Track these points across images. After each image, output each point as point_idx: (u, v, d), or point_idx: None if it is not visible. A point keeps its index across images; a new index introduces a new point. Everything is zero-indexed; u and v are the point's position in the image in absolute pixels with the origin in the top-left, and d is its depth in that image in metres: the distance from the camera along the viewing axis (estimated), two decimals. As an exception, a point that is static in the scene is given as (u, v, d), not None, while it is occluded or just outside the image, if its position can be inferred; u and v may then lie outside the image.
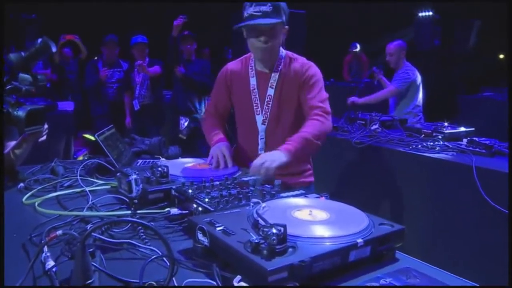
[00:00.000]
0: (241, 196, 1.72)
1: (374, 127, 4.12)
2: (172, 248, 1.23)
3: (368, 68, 10.06)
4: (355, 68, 10.43)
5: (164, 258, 1.34)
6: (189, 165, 2.32)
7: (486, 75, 9.27)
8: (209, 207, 1.61)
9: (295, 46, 2.39)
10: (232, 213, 1.54)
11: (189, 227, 1.51)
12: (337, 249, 1.27)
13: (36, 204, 1.91)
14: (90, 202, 1.90)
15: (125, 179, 1.91)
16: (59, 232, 1.34)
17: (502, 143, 3.34)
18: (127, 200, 1.91)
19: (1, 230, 1.47)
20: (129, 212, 1.75)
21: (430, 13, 9.37)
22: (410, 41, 10.76)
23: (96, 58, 6.40)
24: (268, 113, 2.44)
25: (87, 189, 2.07)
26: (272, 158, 2.09)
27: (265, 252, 1.19)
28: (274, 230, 1.20)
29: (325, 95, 2.39)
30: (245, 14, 2.28)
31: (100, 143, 2.38)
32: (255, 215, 1.42)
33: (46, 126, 2.19)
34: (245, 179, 1.98)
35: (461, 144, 3.46)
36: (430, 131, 3.78)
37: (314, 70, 2.41)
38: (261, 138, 2.47)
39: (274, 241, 1.19)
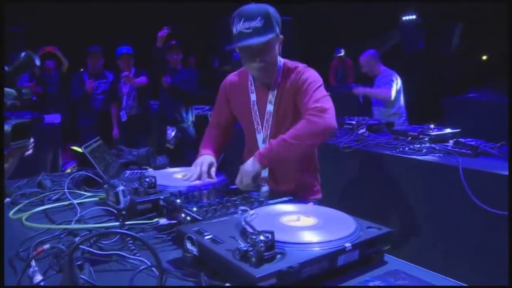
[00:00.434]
0: (229, 204, 1.72)
1: (361, 131, 4.14)
2: (161, 258, 1.23)
3: (353, 73, 10.14)
4: (340, 73, 10.49)
5: (153, 268, 1.34)
6: (177, 175, 2.31)
7: (471, 77, 9.36)
8: (198, 216, 1.61)
9: (281, 53, 2.29)
10: (221, 222, 1.54)
11: (177, 236, 1.51)
12: (325, 254, 1.28)
13: (23, 218, 1.89)
14: (78, 215, 1.89)
15: (112, 191, 1.91)
16: (47, 246, 1.34)
17: (487, 144, 3.37)
18: (115, 211, 1.90)
19: (1, 231, 1.45)
20: (118, 223, 1.74)
21: (414, 16, 9.46)
22: (396, 44, 10.88)
23: (82, 70, 6.37)
24: (268, 131, 2.30)
25: (75, 201, 2.06)
26: (246, 172, 2.01)
27: (253, 259, 1.19)
28: (262, 237, 1.21)
29: (321, 94, 2.14)
30: (235, 31, 2.10)
31: (87, 155, 2.37)
32: (243, 223, 1.43)
33: (32, 140, 2.18)
34: (233, 187, 1.99)
35: (448, 146, 3.48)
36: (416, 134, 3.80)
37: (307, 74, 2.22)
38: None
39: (262, 248, 1.20)
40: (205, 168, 2.19)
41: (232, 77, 2.49)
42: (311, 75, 2.22)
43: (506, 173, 2.78)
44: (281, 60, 2.29)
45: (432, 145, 3.54)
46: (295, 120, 2.12)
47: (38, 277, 1.28)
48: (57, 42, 7.26)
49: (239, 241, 1.33)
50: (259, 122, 2.33)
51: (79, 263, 1.28)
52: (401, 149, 3.57)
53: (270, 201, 1.79)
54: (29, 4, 8.16)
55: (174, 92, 5.68)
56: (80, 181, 2.49)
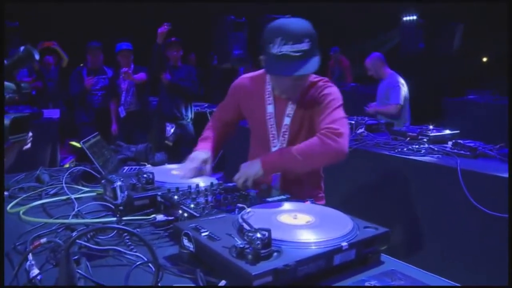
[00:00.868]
0: (226, 201, 1.73)
1: (360, 130, 4.14)
2: (157, 254, 1.23)
3: (351, 73, 10.13)
4: (337, 72, 10.51)
5: (150, 264, 1.34)
6: (175, 172, 2.30)
7: (470, 78, 9.37)
8: (195, 213, 1.62)
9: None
10: (218, 219, 1.54)
11: (174, 233, 1.51)
12: (322, 252, 1.28)
13: (21, 212, 1.89)
14: (75, 210, 1.89)
15: (110, 186, 1.91)
16: (43, 240, 1.34)
17: (486, 145, 3.38)
18: (113, 207, 1.90)
19: (1, 231, 1.45)
20: (115, 219, 1.74)
21: (414, 17, 9.46)
22: (396, 45, 10.88)
23: (81, 65, 6.37)
24: (284, 145, 2.21)
25: (73, 196, 2.06)
26: (248, 173, 1.98)
27: (250, 256, 1.19)
28: (258, 235, 1.21)
29: (338, 115, 2.07)
30: (275, 50, 1.92)
31: (86, 150, 2.37)
32: (240, 220, 1.43)
33: (30, 134, 2.18)
34: (230, 184, 1.99)
35: (446, 147, 3.49)
36: (415, 134, 3.81)
37: (328, 90, 2.14)
38: None
39: (259, 246, 1.20)
40: (196, 164, 2.14)
41: (246, 81, 2.37)
42: (332, 93, 2.15)
43: (505, 175, 2.78)
44: None
45: (431, 146, 3.55)
46: (309, 134, 2.08)
47: (35, 271, 1.28)
48: (57, 38, 7.25)
49: (235, 238, 1.33)
50: (275, 136, 2.25)
51: (75, 257, 1.28)
52: (399, 150, 3.58)
53: (268, 199, 1.79)
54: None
55: (173, 89, 5.68)
56: (78, 176, 2.49)
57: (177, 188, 1.87)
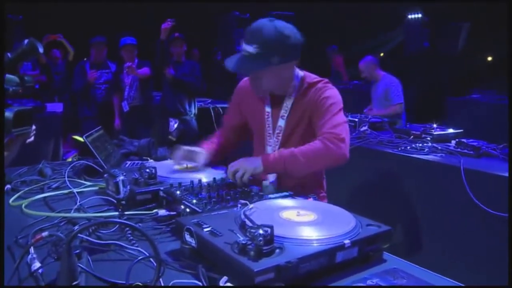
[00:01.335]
0: (229, 197, 1.72)
1: (363, 128, 4.14)
2: (159, 249, 1.23)
3: (345, 71, 10.09)
4: (332, 71, 10.48)
5: (151, 259, 1.34)
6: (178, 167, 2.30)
7: (475, 77, 9.34)
8: (197, 208, 1.61)
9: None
10: (220, 214, 1.54)
11: (176, 228, 1.51)
12: (324, 250, 1.28)
13: (23, 205, 1.89)
14: (77, 204, 1.89)
15: (112, 180, 1.91)
16: (45, 233, 1.33)
17: (489, 145, 3.37)
18: (115, 201, 1.90)
19: (1, 230, 1.45)
20: (117, 213, 1.74)
21: (419, 15, 9.43)
22: (399, 43, 10.86)
23: (85, 59, 6.36)
24: (278, 145, 2.25)
25: (75, 190, 2.06)
26: (247, 167, 1.98)
27: (252, 253, 1.19)
28: (261, 231, 1.20)
29: (339, 119, 2.09)
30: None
31: (88, 144, 2.37)
32: (243, 216, 1.42)
33: (33, 127, 2.17)
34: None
35: (450, 146, 3.48)
36: (419, 133, 3.81)
37: (328, 93, 2.15)
38: None
39: (261, 242, 1.19)
40: (186, 151, 2.23)
41: (245, 81, 2.41)
42: (332, 96, 2.16)
43: (508, 174, 2.77)
44: (299, 74, 2.24)
45: (434, 144, 3.54)
46: (304, 137, 2.10)
47: (36, 264, 1.28)
48: (62, 32, 7.23)
49: (238, 234, 1.33)
50: (271, 135, 2.29)
51: (77, 251, 1.27)
52: (403, 148, 3.57)
53: (270, 196, 1.79)
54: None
55: (177, 85, 5.68)
56: (80, 170, 2.49)
57: (180, 183, 1.87)
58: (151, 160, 2.74)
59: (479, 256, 2.88)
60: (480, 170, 2.94)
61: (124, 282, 1.19)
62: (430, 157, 3.33)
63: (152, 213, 1.72)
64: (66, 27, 7.76)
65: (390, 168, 3.60)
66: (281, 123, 2.24)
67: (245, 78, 2.43)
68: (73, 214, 1.77)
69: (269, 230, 1.21)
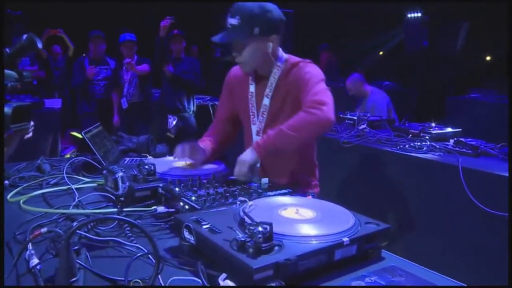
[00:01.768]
0: (228, 194, 1.72)
1: (362, 127, 4.14)
2: (158, 246, 1.22)
3: (334, 68, 10.07)
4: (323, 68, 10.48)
5: (150, 256, 1.34)
6: (177, 164, 2.30)
7: (474, 77, 9.34)
8: (196, 205, 1.61)
9: (281, 45, 2.29)
10: (219, 212, 1.53)
11: (175, 225, 1.51)
12: (323, 247, 1.28)
13: (21, 201, 1.89)
14: (76, 200, 1.89)
15: (111, 177, 1.90)
16: (44, 229, 1.33)
17: (488, 144, 3.37)
18: (114, 198, 1.90)
19: (1, 230, 1.45)
20: (116, 210, 1.74)
21: (419, 14, 9.42)
22: (399, 42, 10.85)
23: (83, 55, 6.35)
24: (263, 124, 2.32)
25: (74, 186, 2.06)
26: (243, 161, 2.01)
27: (251, 250, 1.19)
28: (260, 228, 1.20)
29: (319, 87, 2.14)
30: None
31: (87, 140, 2.36)
32: (242, 214, 1.42)
33: (32, 123, 2.17)
34: (232, 177, 1.98)
35: (448, 145, 3.48)
36: (417, 131, 3.81)
37: (308, 68, 2.24)
38: None
39: (260, 239, 1.19)
40: (187, 147, 2.25)
41: (236, 69, 2.49)
42: (312, 70, 2.23)
43: (506, 174, 2.78)
44: (283, 56, 2.31)
45: (433, 143, 3.54)
46: (291, 115, 2.11)
47: (35, 260, 1.28)
48: (62, 28, 7.23)
49: (237, 231, 1.33)
50: (255, 114, 2.36)
51: (75, 248, 1.27)
52: (401, 146, 3.58)
53: (269, 193, 1.79)
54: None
55: (176, 82, 5.67)
56: (79, 166, 2.49)
57: (179, 180, 1.87)
58: (150, 157, 2.73)
59: (476, 255, 2.88)
60: (478, 169, 2.95)
61: (122, 278, 1.19)
62: (428, 156, 3.33)
63: (151, 209, 1.72)
64: (65, 23, 7.75)
65: (389, 166, 3.61)
66: (266, 101, 2.31)
67: (233, 68, 2.51)
68: (72, 211, 1.77)
69: (268, 227, 1.21)
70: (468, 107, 7.09)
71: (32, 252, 1.32)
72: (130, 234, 1.52)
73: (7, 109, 1.80)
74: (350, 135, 4.01)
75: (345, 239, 1.32)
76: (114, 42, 6.03)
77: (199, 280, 1.21)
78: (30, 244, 1.35)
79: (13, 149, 2.28)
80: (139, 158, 2.69)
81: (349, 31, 11.26)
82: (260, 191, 1.81)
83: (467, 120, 6.05)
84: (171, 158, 2.44)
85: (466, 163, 3.02)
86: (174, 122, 5.71)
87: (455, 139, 3.47)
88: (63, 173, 2.22)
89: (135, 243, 1.46)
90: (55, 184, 2.18)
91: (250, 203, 1.55)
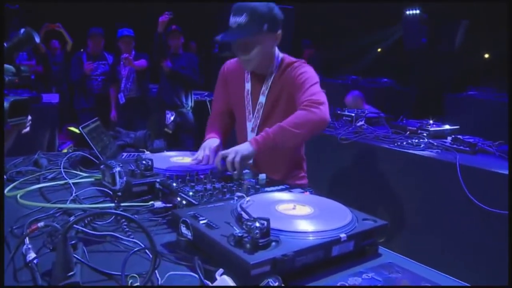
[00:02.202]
0: (225, 190, 1.72)
1: (360, 123, 4.14)
2: (155, 241, 1.22)
3: (318, 67, 10.06)
4: None
5: (147, 251, 1.34)
6: (174, 159, 2.30)
7: (473, 75, 9.34)
8: (193, 201, 1.61)
9: (282, 42, 2.30)
10: (216, 207, 1.53)
11: (172, 220, 1.50)
12: (320, 243, 1.28)
13: (18, 196, 1.88)
14: (73, 195, 1.88)
15: (109, 172, 1.90)
16: (41, 224, 1.33)
17: (485, 141, 3.38)
18: (111, 192, 1.90)
19: (1, 229, 1.45)
20: (113, 204, 1.73)
21: (418, 11, 9.41)
22: (398, 39, 10.84)
23: (81, 50, 6.34)
24: (258, 121, 2.35)
25: (71, 181, 2.06)
26: (239, 150, 2.00)
27: (248, 245, 1.19)
28: (257, 224, 1.20)
29: (316, 89, 2.19)
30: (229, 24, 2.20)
31: (85, 135, 2.36)
32: (239, 209, 1.42)
33: (29, 117, 2.16)
34: (229, 173, 1.98)
35: (446, 142, 3.49)
36: (415, 129, 3.81)
37: (304, 69, 2.27)
38: None
39: (257, 235, 1.19)
40: (208, 152, 2.22)
41: (230, 63, 2.52)
42: (308, 71, 2.27)
43: (503, 171, 2.79)
44: (279, 55, 2.34)
45: (430, 140, 3.54)
46: (286, 114, 2.13)
47: (32, 255, 1.28)
48: (60, 23, 7.20)
49: (234, 227, 1.33)
50: (251, 111, 2.38)
51: (72, 242, 1.27)
52: (399, 143, 3.58)
53: (267, 189, 1.79)
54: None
55: (174, 77, 5.66)
56: (76, 161, 2.49)
57: (176, 176, 1.86)
58: (148, 152, 2.73)
59: (474, 252, 2.89)
60: (475, 166, 2.95)
61: (119, 273, 1.19)
62: (426, 153, 3.34)
63: (148, 205, 1.72)
64: (64, 18, 7.71)
65: (386, 163, 3.61)
66: (262, 99, 2.34)
67: (228, 61, 2.54)
68: (69, 205, 1.76)
69: (265, 223, 1.21)
70: (466, 105, 7.09)
71: (29, 246, 1.32)
72: (127, 229, 1.52)
73: (4, 103, 1.80)
74: (348, 132, 4.02)
75: (343, 235, 1.32)
76: (112, 37, 6.02)
77: (196, 275, 1.21)
78: (27, 238, 1.35)
79: (11, 143, 2.28)
80: (136, 153, 2.69)
81: (347, 28, 11.24)
82: (257, 186, 1.81)
83: (465, 117, 6.05)
84: (168, 153, 2.44)
85: (464, 160, 3.03)
86: (172, 118, 5.71)
87: (453, 136, 3.48)
88: (60, 168, 2.22)
89: (132, 238, 1.46)
90: (52, 179, 2.18)
91: (248, 198, 1.55)
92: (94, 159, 2.41)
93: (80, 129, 2.38)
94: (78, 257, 1.23)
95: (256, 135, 2.21)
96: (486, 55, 10.38)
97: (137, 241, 1.43)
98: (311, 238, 1.30)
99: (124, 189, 1.86)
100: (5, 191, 1.96)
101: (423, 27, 9.39)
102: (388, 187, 3.58)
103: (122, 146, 2.82)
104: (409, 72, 10.09)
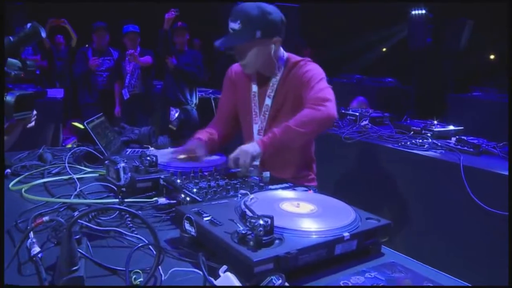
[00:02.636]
0: (229, 187, 1.72)
1: (364, 123, 4.14)
2: (159, 237, 1.23)
3: None
4: None
5: (151, 247, 1.35)
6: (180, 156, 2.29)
7: (477, 75, 9.32)
8: (197, 197, 1.61)
9: (288, 40, 2.29)
10: (220, 204, 1.54)
11: (176, 216, 1.51)
12: (323, 242, 1.28)
13: (23, 190, 1.89)
14: (77, 190, 1.89)
15: (113, 167, 1.91)
16: (46, 218, 1.33)
17: (489, 143, 3.36)
18: (115, 188, 1.90)
19: (1, 228, 1.45)
20: (117, 200, 1.74)
21: (423, 11, 9.39)
22: (403, 39, 10.82)
23: (86, 46, 6.35)
24: (264, 123, 2.35)
25: (75, 176, 2.06)
26: (246, 151, 2.00)
27: (251, 243, 1.19)
28: (261, 222, 1.21)
29: (323, 85, 2.17)
30: None
31: (89, 130, 2.36)
32: (243, 206, 1.42)
33: (34, 112, 2.17)
34: (234, 170, 1.98)
35: (450, 143, 3.48)
36: (419, 129, 3.80)
37: (309, 67, 2.26)
38: None
39: (261, 232, 1.19)
40: (181, 150, 2.24)
41: (237, 65, 2.49)
42: (313, 68, 2.26)
43: (507, 173, 2.78)
44: (284, 55, 2.34)
45: (434, 141, 3.53)
46: (293, 114, 2.11)
47: (36, 249, 1.28)
48: (65, 18, 7.21)
49: (238, 224, 1.33)
50: (257, 113, 2.37)
51: (77, 237, 1.28)
52: (403, 143, 3.57)
53: (271, 187, 1.79)
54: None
55: (178, 74, 5.67)
56: (80, 157, 2.49)
57: (180, 172, 1.87)
58: (152, 148, 2.74)
59: (477, 253, 2.88)
60: (479, 168, 2.94)
61: (123, 268, 1.19)
62: (430, 153, 3.33)
63: (152, 201, 1.73)
64: (69, 14, 7.72)
65: (390, 163, 3.61)
66: (268, 101, 2.33)
67: (234, 64, 2.52)
68: (73, 200, 1.77)
69: (269, 220, 1.21)
70: (469, 105, 7.07)
71: (34, 240, 1.33)
72: (131, 225, 1.53)
73: (10, 98, 1.81)
74: (352, 131, 4.01)
75: (346, 234, 1.32)
76: (118, 33, 6.02)
77: (200, 272, 1.21)
78: (31, 232, 1.36)
79: (16, 138, 2.29)
80: (140, 149, 2.70)
81: (352, 27, 11.22)
82: (261, 184, 1.81)
83: (468, 118, 6.04)
84: (173, 150, 2.44)
85: (468, 161, 3.02)
86: (176, 115, 5.72)
87: (457, 137, 3.46)
88: (65, 163, 2.23)
89: (136, 234, 1.46)
90: (57, 174, 2.19)
91: (251, 196, 1.55)
92: (98, 154, 2.42)
93: (85, 124, 2.39)
94: (82, 252, 1.24)
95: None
96: (492, 56, 10.35)
97: (140, 237, 1.43)
98: (314, 236, 1.30)
99: (128, 184, 1.87)
100: (10, 185, 1.97)
101: (428, 27, 9.36)
102: (391, 186, 3.58)
103: (126, 142, 2.83)
104: (413, 72, 10.06)
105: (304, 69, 2.25)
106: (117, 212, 1.62)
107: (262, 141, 2.05)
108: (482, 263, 2.84)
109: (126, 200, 1.73)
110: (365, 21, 11.04)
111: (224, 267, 1.16)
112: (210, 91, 7.10)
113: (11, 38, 1.82)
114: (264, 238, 1.20)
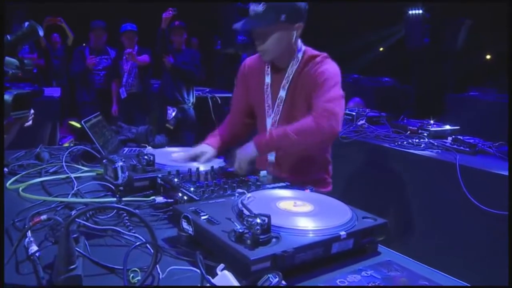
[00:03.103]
0: (226, 186, 1.73)
1: (360, 122, 4.15)
2: (156, 235, 1.23)
3: None
4: None
5: (148, 245, 1.35)
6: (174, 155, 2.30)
7: (475, 75, 9.34)
8: (194, 196, 1.62)
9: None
10: (217, 203, 1.54)
11: (174, 215, 1.51)
12: (320, 240, 1.29)
13: (20, 189, 1.89)
14: (75, 189, 1.89)
15: (111, 166, 1.91)
16: (44, 217, 1.33)
17: (485, 142, 3.38)
18: (113, 187, 1.91)
19: (1, 227, 1.45)
20: (114, 199, 1.74)
21: (420, 11, 9.40)
22: (400, 39, 10.84)
23: (83, 44, 6.34)
24: (278, 116, 2.26)
25: (73, 175, 2.06)
26: (243, 157, 2.00)
27: (248, 241, 1.20)
28: (258, 220, 1.21)
29: (335, 93, 2.09)
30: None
31: (87, 129, 2.37)
32: (240, 205, 1.43)
33: (32, 111, 2.17)
34: (231, 169, 1.99)
35: (446, 142, 3.49)
36: (416, 128, 3.82)
37: (325, 66, 2.16)
38: None
39: (258, 231, 1.20)
40: (194, 153, 2.21)
41: (250, 60, 2.45)
42: (329, 69, 2.17)
43: (503, 172, 2.79)
44: (302, 47, 2.26)
45: (431, 140, 3.55)
46: (307, 110, 2.09)
47: (34, 248, 1.29)
48: (62, 17, 7.20)
49: (235, 223, 1.34)
50: (270, 106, 2.30)
51: (74, 235, 1.28)
52: (399, 143, 3.59)
53: (268, 186, 1.80)
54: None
55: (176, 72, 5.67)
56: (78, 155, 2.50)
57: (178, 171, 1.87)
58: (149, 147, 2.74)
59: (473, 252, 2.89)
60: (475, 167, 2.95)
61: (121, 267, 1.20)
62: (426, 152, 3.34)
63: (150, 200, 1.73)
64: (65, 12, 7.71)
65: (386, 162, 3.62)
66: (282, 93, 2.25)
67: (248, 58, 2.47)
68: (71, 199, 1.77)
69: (266, 219, 1.22)
70: (467, 105, 7.09)
71: (31, 239, 1.33)
72: (128, 224, 1.53)
73: (7, 97, 1.80)
74: (349, 130, 4.02)
75: (342, 233, 1.33)
76: (115, 31, 6.02)
77: (198, 270, 1.21)
78: (29, 231, 1.36)
79: (13, 137, 2.28)
80: (138, 148, 2.70)
81: (349, 27, 11.24)
82: (258, 183, 1.82)
83: (466, 118, 6.05)
84: (170, 149, 2.44)
85: (464, 161, 3.04)
86: (173, 114, 5.71)
87: (453, 136, 3.48)
88: (62, 162, 2.23)
89: (134, 233, 1.47)
90: (54, 173, 2.19)
91: (249, 195, 1.56)
92: (95, 153, 2.42)
93: (82, 123, 2.39)
94: (80, 251, 1.24)
95: None
96: (488, 56, 10.37)
97: (138, 235, 1.44)
98: (311, 235, 1.31)
99: (126, 183, 1.87)
100: (7, 184, 1.97)
101: (426, 27, 9.38)
102: (388, 186, 3.59)
103: (123, 141, 2.83)
104: (410, 71, 10.08)
105: (320, 68, 2.16)
106: (115, 211, 1.62)
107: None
108: (478, 262, 2.85)
109: (123, 199, 1.74)
110: (363, 21, 11.05)
111: (222, 265, 1.16)
112: (208, 90, 7.09)
113: (8, 36, 1.82)
114: (261, 236, 1.20)
